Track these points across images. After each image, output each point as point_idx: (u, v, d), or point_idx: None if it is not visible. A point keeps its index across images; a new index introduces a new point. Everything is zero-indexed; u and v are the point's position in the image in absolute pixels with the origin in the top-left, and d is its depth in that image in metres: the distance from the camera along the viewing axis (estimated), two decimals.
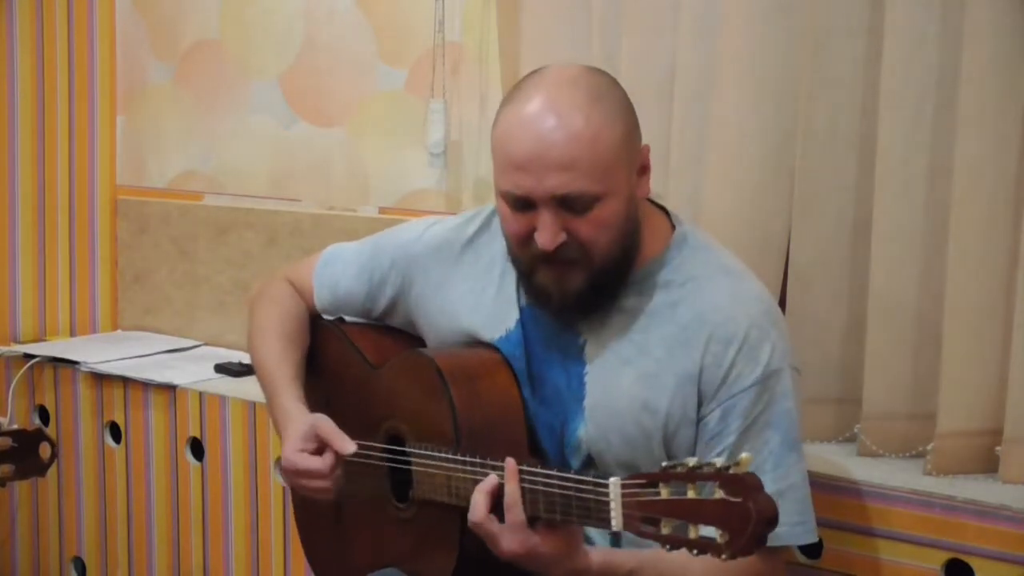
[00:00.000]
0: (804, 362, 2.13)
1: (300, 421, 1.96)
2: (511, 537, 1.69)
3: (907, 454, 2.16)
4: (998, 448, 2.05)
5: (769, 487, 1.74)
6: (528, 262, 1.82)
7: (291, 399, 2.02)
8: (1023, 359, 2.00)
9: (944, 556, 1.98)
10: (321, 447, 1.93)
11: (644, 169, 1.83)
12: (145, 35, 3.28)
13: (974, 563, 1.95)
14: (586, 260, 1.78)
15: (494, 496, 1.72)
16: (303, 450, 1.93)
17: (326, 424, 1.93)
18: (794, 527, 1.81)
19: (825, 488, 2.05)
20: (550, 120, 1.74)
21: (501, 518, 1.71)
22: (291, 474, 1.95)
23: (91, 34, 3.28)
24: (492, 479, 1.72)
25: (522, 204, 1.78)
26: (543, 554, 1.69)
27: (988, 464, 2.07)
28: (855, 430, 2.20)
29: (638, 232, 1.83)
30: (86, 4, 3.27)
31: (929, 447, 2.10)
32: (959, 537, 1.96)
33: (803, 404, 2.02)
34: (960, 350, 2.06)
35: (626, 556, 1.78)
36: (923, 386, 2.13)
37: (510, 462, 1.70)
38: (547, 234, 1.75)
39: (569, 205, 1.75)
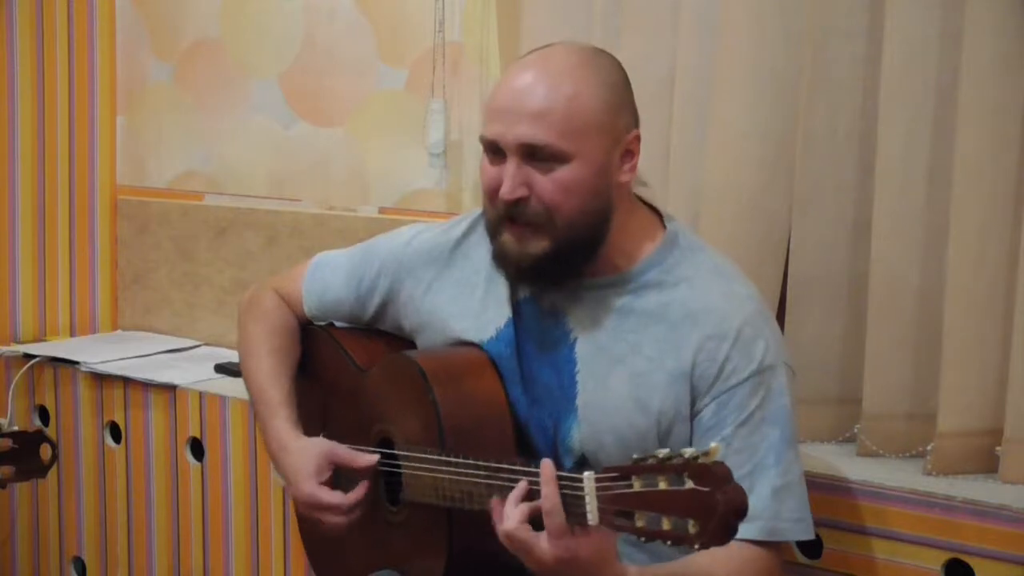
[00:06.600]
0: (804, 362, 2.14)
1: (304, 454, 1.97)
2: (552, 544, 1.61)
3: (907, 454, 2.16)
4: (998, 448, 2.05)
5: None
6: (495, 221, 1.83)
7: (284, 426, 2.03)
8: (1023, 359, 2.01)
9: (944, 556, 1.98)
10: (334, 476, 1.95)
11: (629, 154, 1.82)
12: (145, 35, 3.28)
13: (974, 563, 1.95)
14: (549, 225, 1.78)
15: (527, 502, 1.66)
16: (321, 484, 1.95)
17: (337, 450, 1.96)
18: (796, 523, 1.81)
19: (825, 488, 2.05)
20: (534, 73, 1.79)
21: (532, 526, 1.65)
22: (311, 508, 1.96)
23: (91, 34, 3.28)
24: (523, 485, 1.67)
25: (493, 150, 1.80)
26: (584, 559, 1.62)
27: (988, 464, 2.07)
28: (855, 430, 2.20)
29: (608, 214, 1.82)
30: (86, 4, 3.26)
31: (929, 447, 2.10)
32: (959, 537, 1.96)
33: (802, 404, 2.04)
34: (960, 350, 2.06)
35: (658, 568, 1.76)
36: (923, 386, 2.13)
37: (546, 465, 1.63)
38: (508, 183, 1.77)
39: (535, 158, 1.76)
